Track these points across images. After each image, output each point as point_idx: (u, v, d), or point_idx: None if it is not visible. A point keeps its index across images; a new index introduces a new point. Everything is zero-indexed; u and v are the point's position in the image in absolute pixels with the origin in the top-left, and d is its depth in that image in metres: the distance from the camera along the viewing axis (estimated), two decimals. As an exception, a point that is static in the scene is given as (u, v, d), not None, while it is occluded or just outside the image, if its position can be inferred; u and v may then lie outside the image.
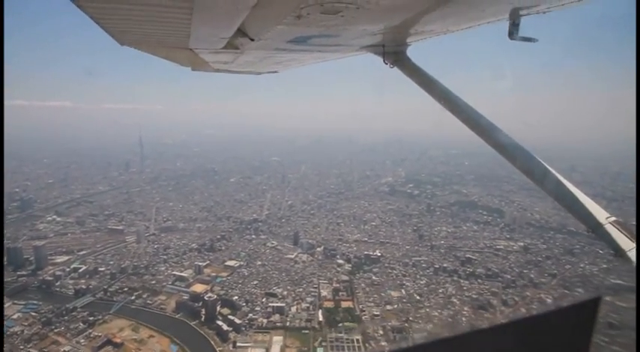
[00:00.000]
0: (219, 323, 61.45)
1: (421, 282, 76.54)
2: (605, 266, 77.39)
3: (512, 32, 3.82)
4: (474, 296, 71.55)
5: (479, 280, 76.92)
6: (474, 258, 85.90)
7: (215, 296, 67.71)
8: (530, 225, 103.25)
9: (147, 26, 3.78)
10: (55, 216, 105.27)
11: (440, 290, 73.52)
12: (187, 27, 3.51)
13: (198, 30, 3.69)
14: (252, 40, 4.23)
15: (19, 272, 74.85)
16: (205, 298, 66.04)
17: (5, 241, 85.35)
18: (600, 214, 4.34)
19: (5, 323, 59.92)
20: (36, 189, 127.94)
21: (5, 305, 64.54)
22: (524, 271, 79.55)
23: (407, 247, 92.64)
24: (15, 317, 62.14)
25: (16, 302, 66.05)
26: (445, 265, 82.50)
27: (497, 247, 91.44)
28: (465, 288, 74.32)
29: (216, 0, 2.79)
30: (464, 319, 64.99)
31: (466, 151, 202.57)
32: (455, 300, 70.26)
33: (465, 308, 67.85)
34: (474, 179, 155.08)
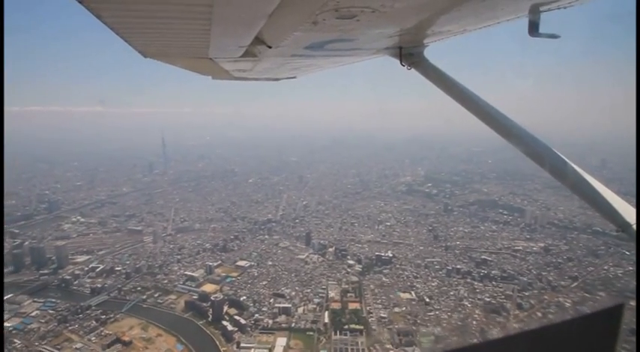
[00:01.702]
0: (225, 323, 62.15)
1: (432, 284, 74.64)
2: (631, 268, 73.22)
3: (533, 29, 3.72)
4: (487, 299, 69.01)
5: (493, 282, 74.25)
6: (489, 259, 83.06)
7: (222, 297, 68.57)
8: (553, 225, 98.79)
9: (168, 38, 3.92)
10: (79, 217, 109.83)
11: (451, 293, 71.41)
12: (207, 37, 3.59)
13: (217, 40, 3.78)
14: (270, 47, 4.29)
15: (41, 271, 78.49)
16: (212, 298, 66.91)
17: (31, 241, 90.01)
18: (630, 213, 4.18)
19: (23, 320, 63.08)
20: (64, 191, 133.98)
21: (25, 303, 68.16)
22: (543, 273, 76.19)
23: (421, 248, 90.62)
24: (33, 314, 65.13)
25: (36, 299, 69.35)
26: (459, 266, 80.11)
27: (516, 248, 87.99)
28: (478, 291, 71.87)
29: (234, 10, 2.86)
30: (474, 323, 62.87)
31: (490, 149, 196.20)
32: (466, 303, 68.03)
33: (477, 312, 65.51)
34: (496, 177, 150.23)
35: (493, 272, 77.55)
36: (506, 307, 66.27)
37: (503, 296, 69.66)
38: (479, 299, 69.17)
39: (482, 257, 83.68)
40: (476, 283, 74.51)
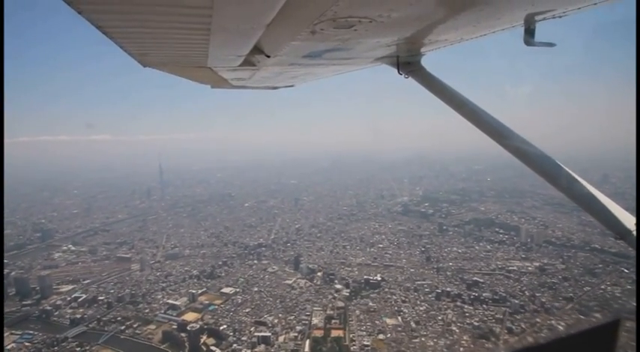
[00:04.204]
0: (200, 354, 60.17)
1: (420, 308, 71.84)
2: (629, 287, 70.05)
3: (528, 38, 3.80)
4: (476, 323, 65.98)
5: (484, 305, 71.23)
6: (482, 280, 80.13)
7: (199, 326, 66.69)
8: (550, 243, 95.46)
9: (167, 48, 3.96)
10: (70, 246, 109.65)
11: (439, 317, 68.50)
12: (205, 47, 3.64)
13: (215, 49, 3.82)
14: (268, 56, 4.36)
15: (23, 302, 77.56)
16: (188, 328, 65.12)
17: (17, 271, 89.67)
18: (629, 221, 4.22)
19: None
20: (60, 220, 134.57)
21: (4, 335, 66.90)
22: (537, 294, 72.95)
23: (412, 270, 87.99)
24: (9, 347, 63.81)
25: (14, 332, 68.08)
26: (449, 289, 77.28)
27: (510, 268, 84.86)
28: (467, 315, 68.88)
29: (233, 20, 2.88)
30: (461, 349, 59.88)
31: (491, 166, 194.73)
32: (454, 328, 65.08)
33: (465, 337, 62.55)
34: (494, 195, 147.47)
35: (484, 294, 74.57)
36: (495, 331, 63.21)
37: (493, 320, 66.59)
38: (468, 323, 66.16)
39: (474, 278, 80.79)
40: (466, 306, 71.56)
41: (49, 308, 75.44)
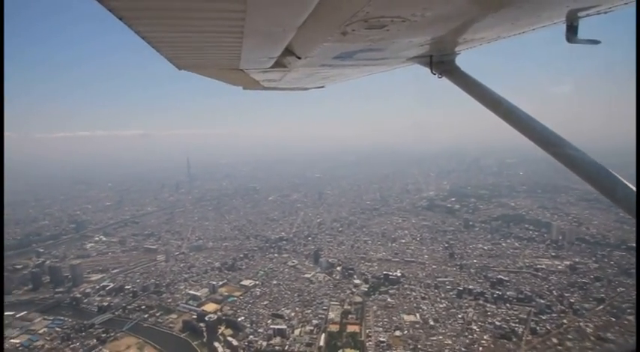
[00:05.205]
0: (217, 344, 61.21)
1: (440, 306, 70.03)
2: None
3: (571, 35, 3.67)
4: (498, 322, 63.50)
5: (507, 304, 68.60)
6: (506, 279, 77.13)
7: (216, 317, 67.91)
8: (583, 241, 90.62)
9: (201, 51, 4.06)
10: (102, 236, 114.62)
11: (460, 316, 66.49)
12: (238, 50, 3.73)
13: (248, 52, 3.90)
14: (299, 58, 4.43)
15: (56, 290, 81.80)
16: (206, 318, 66.44)
17: (52, 260, 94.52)
18: None
19: (30, 337, 65.42)
20: (94, 212, 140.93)
21: (36, 320, 70.87)
22: (565, 294, 69.47)
23: (433, 266, 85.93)
24: (41, 331, 67.42)
25: (46, 317, 71.95)
26: (471, 287, 74.91)
27: (538, 267, 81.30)
28: (489, 314, 66.47)
29: (265, 23, 2.92)
30: (480, 349, 57.82)
31: (524, 159, 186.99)
32: (474, 327, 62.95)
33: (485, 337, 60.34)
34: (526, 190, 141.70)
35: (509, 293, 71.81)
36: (517, 332, 60.61)
37: (516, 320, 63.93)
38: (489, 322, 63.77)
39: (499, 276, 77.81)
40: (488, 305, 69.12)
41: (79, 295, 79.17)
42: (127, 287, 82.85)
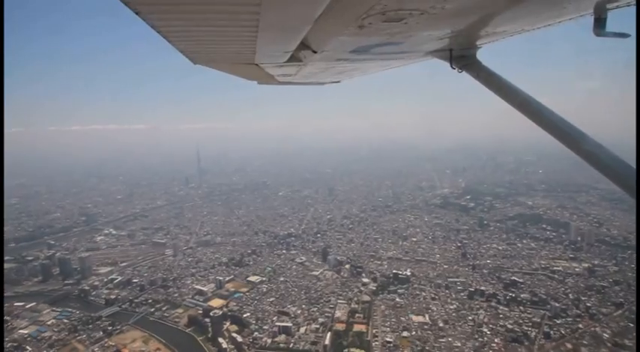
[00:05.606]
0: (221, 340, 60.45)
1: (450, 307, 68.02)
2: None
3: (598, 28, 3.51)
4: (510, 325, 61.33)
5: (520, 307, 66.27)
6: (521, 280, 74.71)
7: (221, 313, 67.19)
8: (603, 243, 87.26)
9: (216, 45, 3.92)
10: (112, 230, 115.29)
11: (470, 317, 64.43)
12: (253, 44, 3.61)
13: (263, 46, 3.79)
14: (315, 52, 4.33)
15: (65, 282, 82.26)
16: (211, 314, 65.73)
17: (62, 252, 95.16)
18: None
19: (38, 328, 65.73)
20: (104, 205, 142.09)
21: (44, 312, 71.21)
22: (582, 298, 66.86)
23: (445, 266, 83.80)
24: (49, 322, 67.78)
25: (54, 309, 72.32)
26: (483, 288, 72.75)
27: (555, 268, 78.58)
28: (501, 316, 64.30)
29: (280, 17, 2.86)
30: (491, 353, 55.89)
31: (544, 157, 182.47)
32: (485, 330, 60.86)
33: (496, 340, 58.24)
34: (545, 189, 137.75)
35: (522, 295, 69.52)
36: (530, 336, 58.31)
37: (529, 323, 61.63)
38: (500, 325, 61.62)
39: (513, 278, 75.40)
40: (500, 307, 66.89)
41: (87, 288, 79.47)
42: (134, 280, 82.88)
